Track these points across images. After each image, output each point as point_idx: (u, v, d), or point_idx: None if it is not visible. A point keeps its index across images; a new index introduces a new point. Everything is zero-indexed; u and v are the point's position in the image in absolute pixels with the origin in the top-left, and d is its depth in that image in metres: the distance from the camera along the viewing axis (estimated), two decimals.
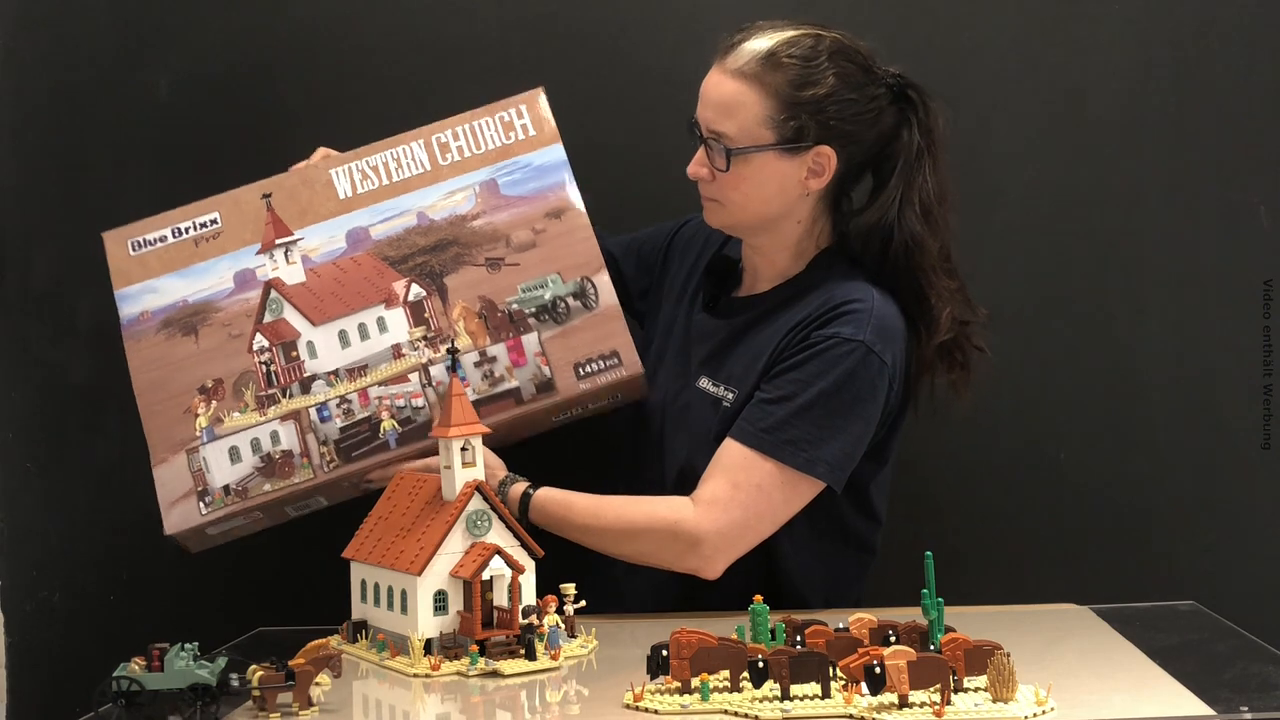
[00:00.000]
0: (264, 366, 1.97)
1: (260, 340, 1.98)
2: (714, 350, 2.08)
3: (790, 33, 1.98)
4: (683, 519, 1.94)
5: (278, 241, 2.02)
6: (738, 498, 1.93)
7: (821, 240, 2.08)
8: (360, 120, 2.48)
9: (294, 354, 1.97)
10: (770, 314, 2.05)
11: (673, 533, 1.95)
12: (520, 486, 2.00)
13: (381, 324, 1.99)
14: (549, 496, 1.99)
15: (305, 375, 1.98)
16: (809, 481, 1.95)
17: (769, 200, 2.01)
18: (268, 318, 1.98)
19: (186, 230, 2.00)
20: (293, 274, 2.00)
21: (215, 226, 2.00)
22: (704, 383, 2.05)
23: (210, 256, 2.02)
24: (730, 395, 2.02)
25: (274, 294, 1.99)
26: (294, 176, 2.08)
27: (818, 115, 1.97)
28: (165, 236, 1.98)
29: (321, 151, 2.15)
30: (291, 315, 1.98)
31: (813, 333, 1.97)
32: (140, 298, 2.01)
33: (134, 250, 1.99)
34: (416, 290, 2.00)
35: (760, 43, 1.97)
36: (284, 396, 1.95)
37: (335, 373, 1.98)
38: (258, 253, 2.02)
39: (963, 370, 2.08)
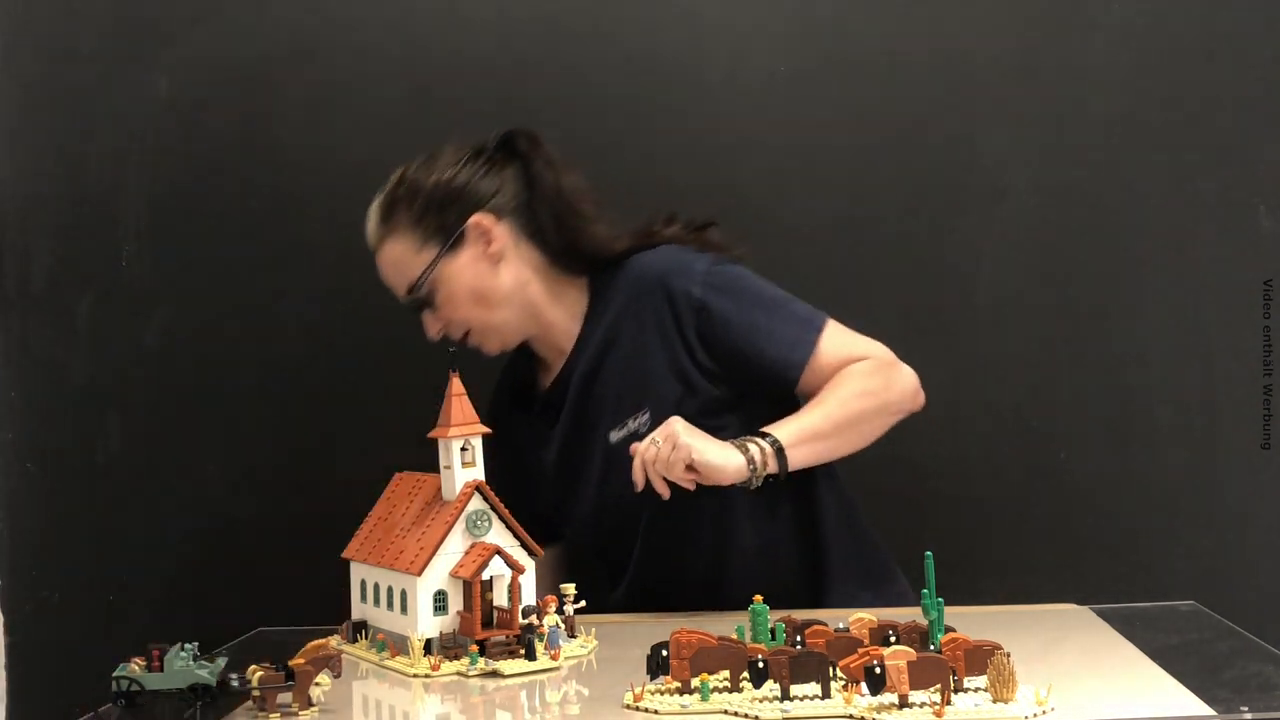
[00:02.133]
0: None
1: None
2: (593, 417, 2.09)
3: (379, 195, 2.11)
4: (874, 358, 2.04)
5: None
6: (859, 340, 2.06)
7: (564, 278, 2.12)
8: (360, 120, 2.49)
9: None
10: (601, 352, 2.08)
11: (879, 368, 2.03)
12: (762, 448, 1.94)
13: None
14: (791, 437, 1.96)
15: None
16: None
17: (488, 290, 2.07)
18: None
19: None
20: None
21: None
22: (615, 435, 2.06)
23: None
24: (644, 417, 2.03)
25: None
26: None
27: (444, 206, 2.07)
28: None
29: None
30: None
31: (695, 305, 2.02)
32: None
33: None
34: None
35: (372, 214, 2.12)
36: None
37: None
38: None
39: None
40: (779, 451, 1.93)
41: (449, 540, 1.71)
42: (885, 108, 2.47)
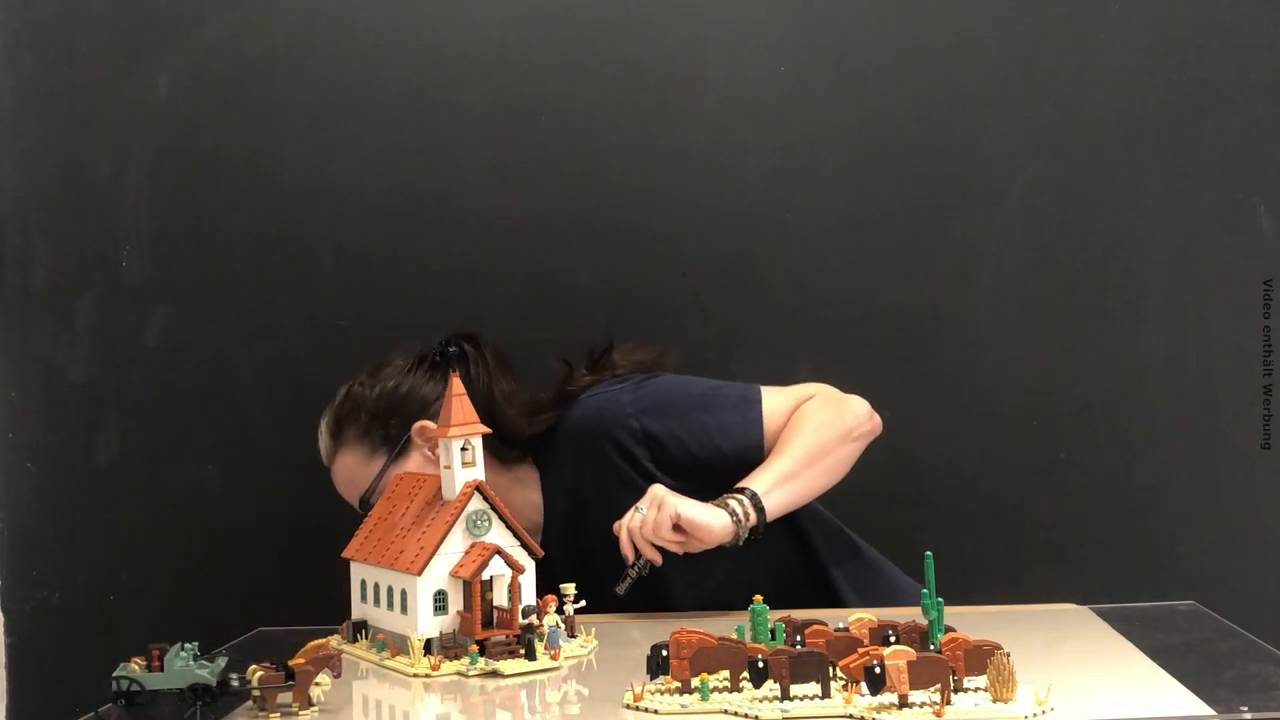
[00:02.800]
0: None
1: None
2: (588, 580, 2.02)
3: (325, 417, 2.14)
4: (819, 394, 2.06)
5: None
6: (796, 388, 2.08)
7: (513, 460, 2.14)
8: (360, 120, 2.49)
9: None
10: (574, 520, 2.09)
11: (830, 401, 2.05)
12: (741, 501, 1.94)
13: None
14: (764, 486, 1.96)
15: None
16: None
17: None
18: None
19: None
20: None
21: None
22: (621, 589, 1.99)
23: None
24: (640, 559, 1.96)
25: None
26: None
27: (387, 417, 2.09)
28: None
29: None
30: None
31: (638, 434, 2.04)
32: None
33: None
34: None
35: (322, 430, 2.14)
36: None
37: None
38: None
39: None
40: (756, 503, 1.94)
41: (449, 540, 1.71)
42: (885, 108, 2.47)
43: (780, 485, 1.97)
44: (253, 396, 2.50)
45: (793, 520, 2.05)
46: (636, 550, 1.94)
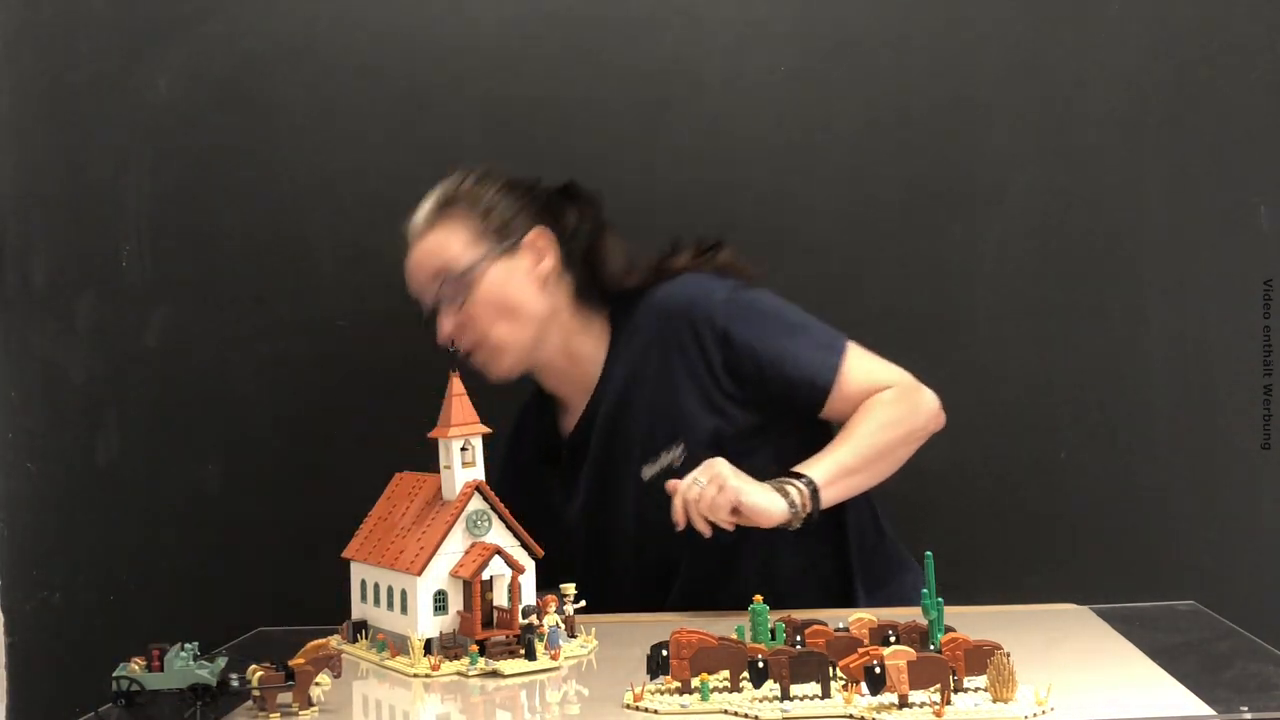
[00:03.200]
0: None
1: None
2: (622, 452, 2.09)
3: (435, 191, 2.10)
4: (897, 385, 2.04)
5: None
6: (879, 365, 2.07)
7: (593, 311, 2.13)
8: (360, 121, 2.49)
9: None
10: (628, 385, 2.08)
11: (903, 395, 2.03)
12: (799, 489, 1.93)
13: None
14: (824, 476, 1.95)
15: None
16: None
17: (520, 304, 2.07)
18: None
19: None
20: None
21: None
22: (648, 470, 2.06)
23: None
24: (678, 449, 2.03)
25: None
26: None
27: (508, 208, 2.07)
28: None
29: None
30: None
31: (718, 334, 2.03)
32: None
33: None
34: None
35: (425, 205, 2.10)
36: None
37: None
38: None
39: None
40: (814, 492, 1.93)
41: (449, 540, 1.71)
42: (885, 107, 2.47)
43: (841, 479, 1.97)
44: (253, 396, 2.50)
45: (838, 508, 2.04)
46: (675, 439, 1.97)
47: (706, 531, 1.90)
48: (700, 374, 2.03)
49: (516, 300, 2.06)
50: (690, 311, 2.05)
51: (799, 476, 1.94)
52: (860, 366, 2.05)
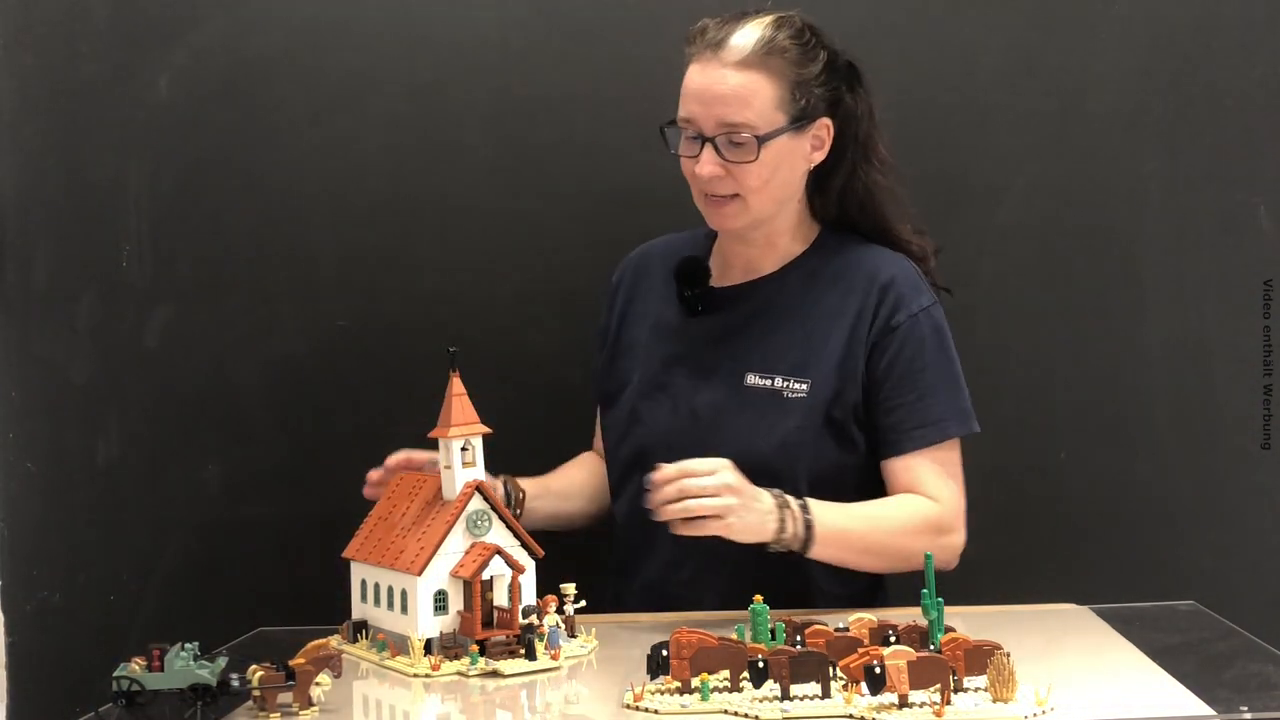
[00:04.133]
0: None
1: None
2: (740, 345, 2.07)
3: (769, 18, 2.03)
4: (942, 512, 2.00)
5: None
6: (954, 484, 2.03)
7: (807, 213, 2.12)
8: (360, 120, 2.49)
9: None
10: (792, 297, 2.07)
11: (939, 527, 1.99)
12: (797, 533, 1.89)
13: None
14: (825, 532, 1.91)
15: None
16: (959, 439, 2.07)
17: (787, 182, 2.04)
18: None
19: None
20: None
21: None
22: (753, 379, 2.04)
23: None
24: (802, 386, 2.02)
25: None
26: None
27: (818, 89, 2.03)
28: None
29: None
30: None
31: (892, 322, 2.03)
32: None
33: None
34: None
35: (751, 32, 2.00)
36: None
37: None
38: None
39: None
40: (807, 541, 1.89)
41: (449, 540, 1.71)
42: (885, 107, 2.47)
43: (836, 546, 1.92)
44: (253, 396, 2.50)
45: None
46: (803, 374, 1.99)
47: (671, 519, 1.81)
48: (860, 340, 2.02)
49: (783, 174, 2.03)
50: (895, 288, 2.03)
51: (808, 522, 1.89)
52: (947, 459, 2.03)
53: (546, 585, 1.81)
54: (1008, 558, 2.45)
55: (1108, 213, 2.46)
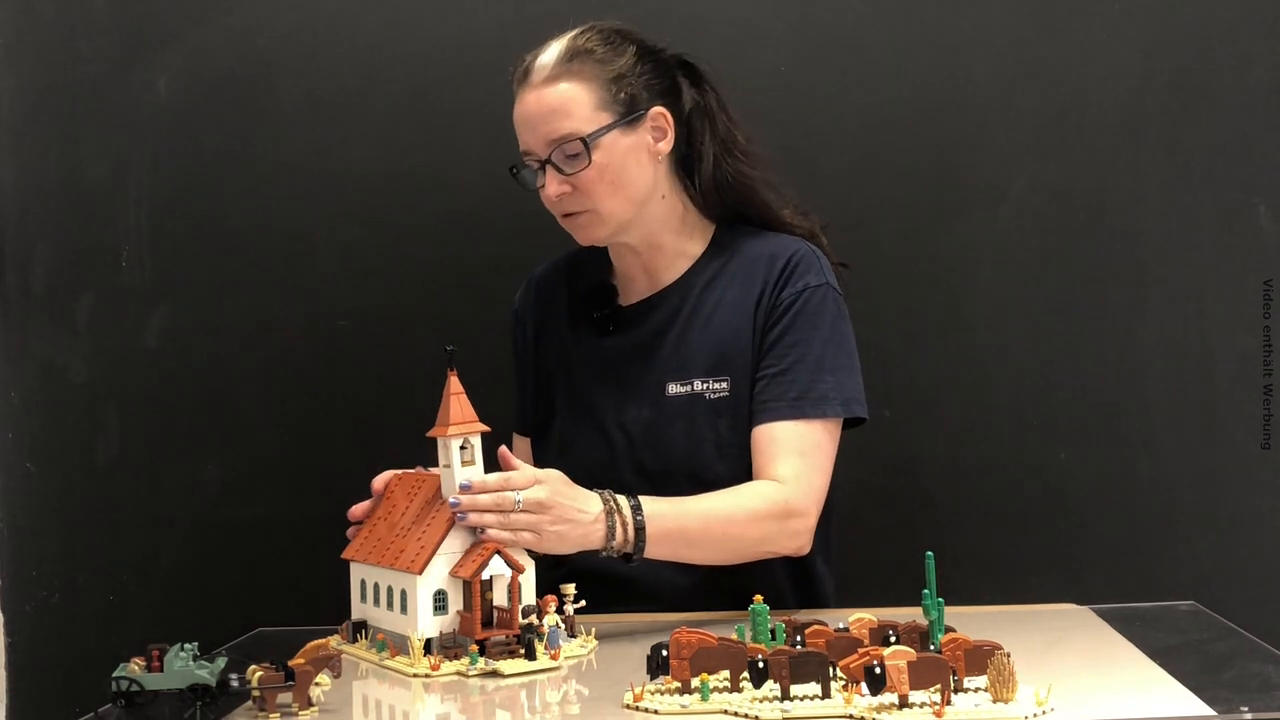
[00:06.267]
0: None
1: None
2: (656, 357, 2.07)
3: (573, 31, 2.05)
4: (788, 496, 1.94)
5: None
6: (810, 464, 1.98)
7: (694, 214, 2.11)
8: (359, 121, 2.49)
9: None
10: (698, 299, 2.07)
11: (784, 511, 1.94)
12: (628, 538, 1.84)
13: None
14: (656, 532, 1.86)
15: None
16: (839, 423, 2.03)
17: (636, 179, 2.02)
18: None
19: None
20: None
21: None
22: (674, 388, 2.04)
23: None
24: (722, 384, 2.02)
25: None
26: None
27: (638, 80, 2.02)
28: None
29: None
30: None
31: (780, 296, 2.02)
32: None
33: None
34: None
35: (553, 48, 2.02)
36: None
37: None
38: None
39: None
40: (639, 544, 1.84)
41: (449, 540, 1.71)
42: (885, 107, 2.47)
43: (672, 543, 1.87)
44: (253, 396, 2.50)
45: None
46: (721, 374, 2.00)
47: (481, 527, 1.73)
48: (758, 318, 2.03)
49: (626, 175, 2.01)
50: (793, 268, 2.03)
51: (639, 524, 1.83)
52: (809, 439, 1.98)
53: (546, 585, 1.81)
54: (1008, 558, 2.45)
55: (1108, 213, 2.46)
